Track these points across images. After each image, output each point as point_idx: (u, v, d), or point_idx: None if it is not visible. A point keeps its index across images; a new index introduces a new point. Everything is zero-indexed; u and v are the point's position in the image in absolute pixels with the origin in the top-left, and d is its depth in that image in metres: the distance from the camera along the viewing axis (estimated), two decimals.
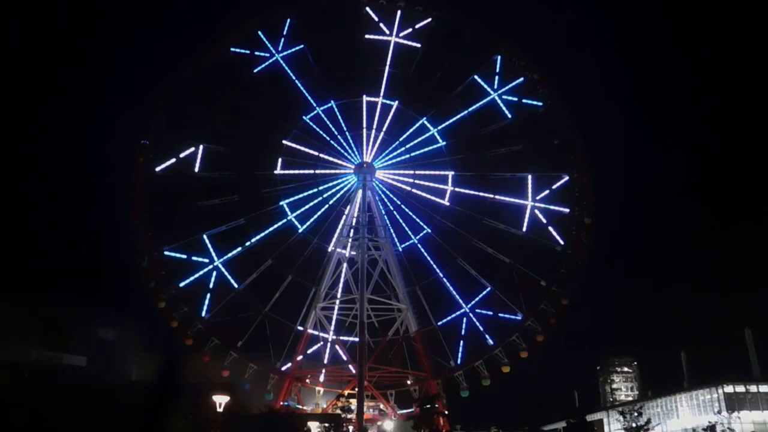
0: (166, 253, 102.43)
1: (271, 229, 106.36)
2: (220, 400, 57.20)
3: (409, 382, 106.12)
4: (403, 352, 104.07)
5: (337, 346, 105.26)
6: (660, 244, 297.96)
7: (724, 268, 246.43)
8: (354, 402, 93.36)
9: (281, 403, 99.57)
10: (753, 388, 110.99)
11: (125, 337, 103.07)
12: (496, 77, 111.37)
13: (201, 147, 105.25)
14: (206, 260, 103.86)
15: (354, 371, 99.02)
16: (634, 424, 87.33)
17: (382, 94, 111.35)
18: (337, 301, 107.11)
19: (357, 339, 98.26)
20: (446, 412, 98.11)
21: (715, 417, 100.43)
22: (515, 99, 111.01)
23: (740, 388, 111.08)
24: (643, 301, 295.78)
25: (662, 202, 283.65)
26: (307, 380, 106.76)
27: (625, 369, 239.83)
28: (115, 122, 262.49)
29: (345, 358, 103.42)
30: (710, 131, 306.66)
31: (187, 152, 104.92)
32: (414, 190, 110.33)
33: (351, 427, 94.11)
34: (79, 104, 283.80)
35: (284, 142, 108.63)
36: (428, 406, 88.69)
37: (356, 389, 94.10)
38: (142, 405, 69.66)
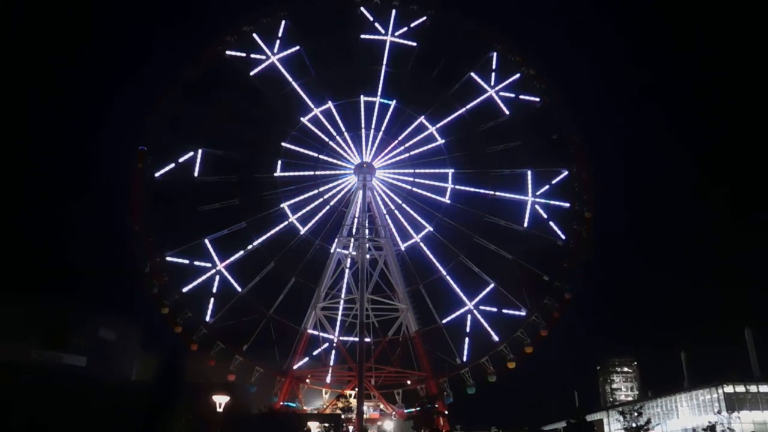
0: (168, 258, 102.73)
1: (272, 231, 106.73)
2: (220, 400, 56.86)
3: (408, 382, 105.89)
4: (405, 352, 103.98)
5: (337, 347, 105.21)
6: (660, 242, 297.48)
7: (725, 268, 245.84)
8: (355, 402, 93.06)
9: (281, 404, 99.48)
10: (753, 388, 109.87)
11: (125, 337, 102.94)
12: (493, 74, 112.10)
13: (200, 151, 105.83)
14: (208, 264, 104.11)
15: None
16: (634, 424, 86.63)
17: (379, 93, 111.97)
18: (340, 302, 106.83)
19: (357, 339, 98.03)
20: (446, 412, 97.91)
21: (715, 417, 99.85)
22: (512, 95, 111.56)
23: (740, 388, 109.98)
24: (643, 300, 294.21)
25: (662, 199, 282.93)
26: (307, 380, 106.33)
27: (625, 369, 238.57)
28: (115, 122, 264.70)
29: (348, 358, 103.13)
30: (711, 126, 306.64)
31: (186, 157, 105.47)
32: (414, 189, 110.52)
33: (351, 427, 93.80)
34: (79, 104, 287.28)
35: (283, 144, 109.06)
36: (428, 406, 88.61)
37: (356, 389, 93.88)
38: (142, 405, 69.56)
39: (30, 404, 69.62)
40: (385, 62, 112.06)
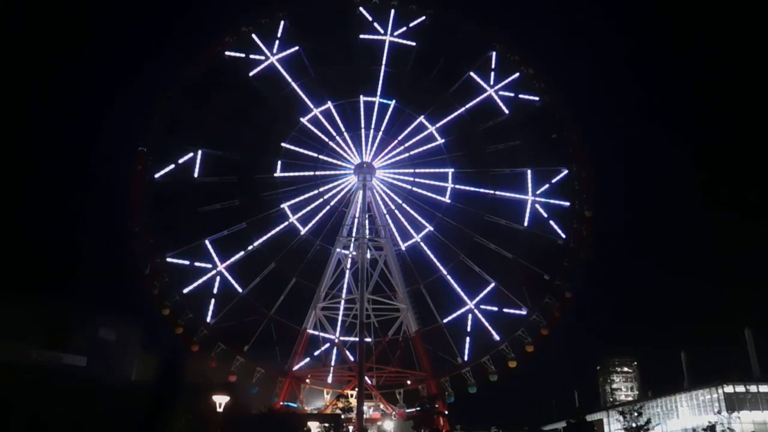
0: (169, 259, 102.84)
1: (273, 232, 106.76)
2: (220, 400, 56.69)
3: (409, 382, 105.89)
4: (406, 352, 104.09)
5: (337, 347, 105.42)
6: (660, 242, 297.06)
7: (725, 267, 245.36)
8: (355, 402, 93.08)
9: (281, 404, 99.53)
10: (753, 388, 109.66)
11: (125, 337, 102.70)
12: (492, 73, 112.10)
13: (199, 152, 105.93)
14: (209, 265, 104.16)
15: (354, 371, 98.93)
16: (634, 424, 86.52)
17: (379, 93, 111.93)
18: (340, 302, 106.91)
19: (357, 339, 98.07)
20: (446, 412, 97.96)
21: (715, 417, 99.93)
22: (512, 94, 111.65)
23: (740, 388, 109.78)
24: (643, 300, 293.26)
25: (662, 199, 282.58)
26: (307, 380, 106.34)
27: (625, 369, 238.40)
28: (115, 123, 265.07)
29: (351, 358, 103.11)
30: (711, 125, 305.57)
31: (186, 158, 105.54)
32: (414, 189, 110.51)
33: (351, 427, 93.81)
34: (79, 104, 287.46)
35: (283, 144, 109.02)
36: (428, 406, 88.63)
37: (356, 389, 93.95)
38: (142, 405, 69.34)
39: (30, 404, 69.42)
40: (384, 62, 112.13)
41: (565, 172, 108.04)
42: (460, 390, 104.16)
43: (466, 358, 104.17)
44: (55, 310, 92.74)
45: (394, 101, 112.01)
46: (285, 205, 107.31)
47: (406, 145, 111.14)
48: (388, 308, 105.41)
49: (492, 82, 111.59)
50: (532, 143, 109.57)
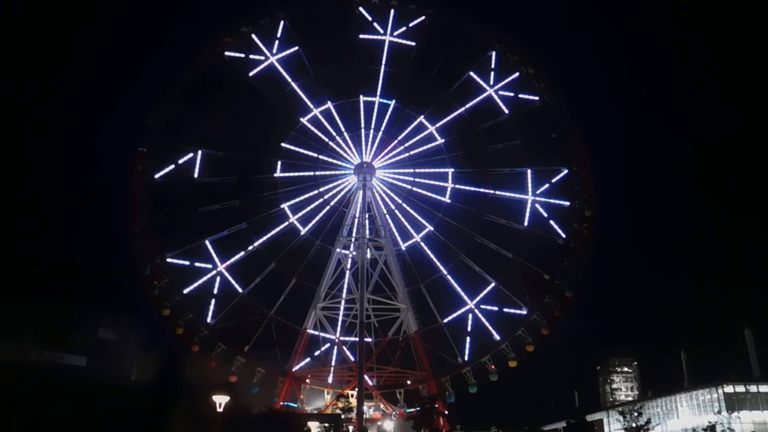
0: (169, 260, 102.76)
1: (273, 232, 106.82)
2: (220, 400, 56.72)
3: (409, 382, 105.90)
4: (406, 352, 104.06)
5: (337, 347, 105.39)
6: (660, 241, 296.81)
7: (725, 267, 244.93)
8: (355, 402, 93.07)
9: (281, 404, 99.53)
10: (753, 388, 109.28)
11: (125, 337, 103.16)
12: (492, 73, 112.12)
13: (199, 153, 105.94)
14: (209, 266, 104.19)
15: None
16: (634, 424, 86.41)
17: (378, 93, 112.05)
18: (341, 302, 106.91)
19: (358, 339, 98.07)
20: (446, 412, 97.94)
21: (715, 417, 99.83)
22: (511, 94, 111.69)
23: (740, 388, 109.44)
24: (643, 300, 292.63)
25: (662, 198, 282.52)
26: (308, 380, 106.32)
27: (625, 369, 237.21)
28: (115, 123, 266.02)
29: (351, 358, 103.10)
30: (711, 126, 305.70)
31: (186, 158, 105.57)
32: (414, 189, 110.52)
33: (351, 427, 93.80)
34: (80, 105, 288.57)
35: (283, 144, 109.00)
36: (428, 406, 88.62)
37: (356, 389, 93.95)
38: (142, 405, 69.46)
39: (30, 404, 69.61)
40: (384, 62, 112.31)
41: (565, 171, 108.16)
42: (460, 390, 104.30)
43: (466, 357, 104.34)
44: (55, 310, 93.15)
45: (393, 101, 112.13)
46: (285, 205, 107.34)
47: (406, 145, 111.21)
48: (388, 308, 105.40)
49: (492, 82, 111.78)
50: (532, 143, 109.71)
